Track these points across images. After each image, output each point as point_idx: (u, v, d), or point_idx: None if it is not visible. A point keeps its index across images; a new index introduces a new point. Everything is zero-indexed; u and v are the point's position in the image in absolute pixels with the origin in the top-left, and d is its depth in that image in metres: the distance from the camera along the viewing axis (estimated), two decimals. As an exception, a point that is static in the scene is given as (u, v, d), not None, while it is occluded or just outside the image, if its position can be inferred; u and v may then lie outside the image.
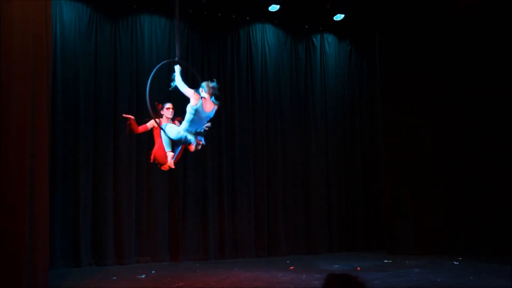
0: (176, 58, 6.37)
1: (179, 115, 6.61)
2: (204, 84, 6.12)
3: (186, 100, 6.13)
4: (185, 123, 6.12)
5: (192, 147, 6.21)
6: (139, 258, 8.48)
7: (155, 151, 6.56)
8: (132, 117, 6.65)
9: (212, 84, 6.14)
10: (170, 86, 6.20)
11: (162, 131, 6.33)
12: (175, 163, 6.63)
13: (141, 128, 6.71)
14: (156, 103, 6.58)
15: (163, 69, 8.83)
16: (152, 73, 6.11)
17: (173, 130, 6.21)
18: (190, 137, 6.12)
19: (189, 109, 6.04)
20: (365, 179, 10.36)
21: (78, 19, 8.42)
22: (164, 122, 6.53)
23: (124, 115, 6.83)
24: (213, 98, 6.09)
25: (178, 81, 6.09)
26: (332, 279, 2.29)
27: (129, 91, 8.70)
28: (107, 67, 8.58)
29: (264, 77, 9.76)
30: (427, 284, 6.57)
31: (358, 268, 7.86)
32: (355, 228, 10.15)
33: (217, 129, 9.12)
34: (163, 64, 6.48)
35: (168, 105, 6.66)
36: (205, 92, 6.08)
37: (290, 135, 9.88)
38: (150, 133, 6.88)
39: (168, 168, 6.58)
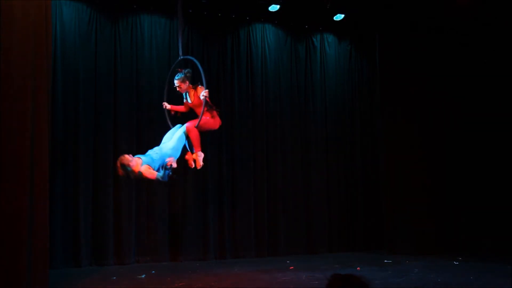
0: (180, 57, 6.41)
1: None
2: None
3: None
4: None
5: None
6: (139, 258, 8.48)
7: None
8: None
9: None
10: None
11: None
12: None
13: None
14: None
15: (163, 69, 8.91)
16: (202, 74, 6.21)
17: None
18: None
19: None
20: (365, 179, 10.36)
21: (78, 19, 8.41)
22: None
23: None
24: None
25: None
26: (335, 279, 2.28)
27: (129, 91, 8.70)
28: (107, 67, 8.58)
29: (264, 77, 9.75)
30: (427, 284, 6.58)
31: (358, 268, 7.86)
32: (355, 228, 10.14)
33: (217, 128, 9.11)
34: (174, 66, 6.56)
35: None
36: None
37: (290, 135, 9.88)
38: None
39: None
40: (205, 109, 6.35)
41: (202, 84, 6.35)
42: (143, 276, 7.29)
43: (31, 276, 5.57)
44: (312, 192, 9.87)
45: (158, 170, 5.89)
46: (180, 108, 6.78)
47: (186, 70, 6.52)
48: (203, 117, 6.34)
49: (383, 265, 8.21)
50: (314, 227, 9.78)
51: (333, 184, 10.09)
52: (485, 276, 7.06)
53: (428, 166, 9.60)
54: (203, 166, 8.87)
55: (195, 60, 6.42)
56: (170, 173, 5.87)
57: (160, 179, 5.83)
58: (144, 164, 5.85)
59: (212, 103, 6.57)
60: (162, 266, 8.22)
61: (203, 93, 6.26)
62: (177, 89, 6.53)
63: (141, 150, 8.43)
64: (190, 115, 6.77)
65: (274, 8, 9.26)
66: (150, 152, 6.14)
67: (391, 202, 9.62)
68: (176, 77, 6.48)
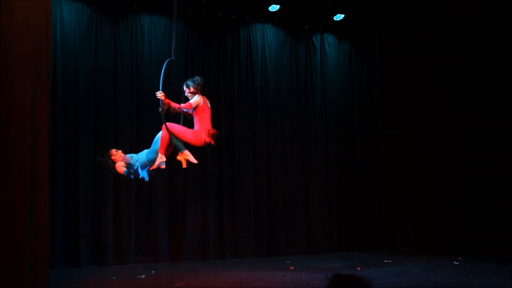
0: (173, 57, 6.40)
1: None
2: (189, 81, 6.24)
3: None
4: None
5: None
6: (139, 258, 8.47)
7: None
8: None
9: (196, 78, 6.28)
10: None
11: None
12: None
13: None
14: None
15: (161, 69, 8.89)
16: (162, 77, 6.15)
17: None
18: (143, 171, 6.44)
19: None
20: (365, 179, 10.35)
21: (78, 19, 8.41)
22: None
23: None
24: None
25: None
26: (336, 280, 2.28)
27: (129, 91, 8.69)
28: (107, 67, 8.57)
29: (264, 77, 9.75)
30: (427, 284, 6.58)
31: (358, 268, 7.86)
32: (355, 228, 10.14)
33: (217, 129, 9.09)
34: (166, 65, 6.47)
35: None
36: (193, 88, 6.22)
37: (290, 135, 9.87)
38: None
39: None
40: (163, 110, 6.27)
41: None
42: (143, 276, 7.29)
43: (31, 276, 5.58)
44: (312, 192, 9.87)
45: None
46: (176, 104, 6.48)
47: (195, 78, 6.47)
48: (181, 126, 6.35)
49: (383, 265, 8.21)
50: (314, 227, 9.78)
51: (333, 184, 10.09)
52: (485, 276, 7.07)
53: (428, 166, 9.59)
54: (203, 165, 8.96)
55: (165, 63, 6.30)
56: (127, 173, 6.49)
57: (125, 175, 6.51)
58: (122, 161, 6.50)
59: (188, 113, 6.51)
60: (162, 266, 8.21)
61: (157, 93, 6.19)
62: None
63: (141, 150, 8.50)
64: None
65: (274, 8, 9.26)
66: (140, 153, 6.61)
67: (391, 202, 9.62)
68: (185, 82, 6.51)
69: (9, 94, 5.64)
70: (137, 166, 6.44)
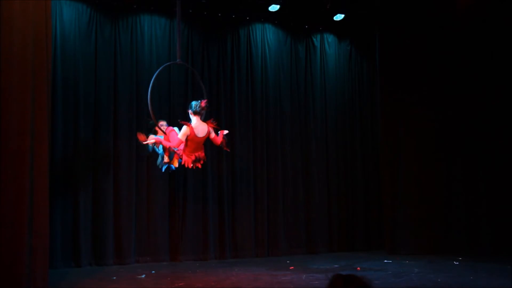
0: (178, 60, 6.39)
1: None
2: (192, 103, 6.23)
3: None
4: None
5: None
6: (139, 258, 8.48)
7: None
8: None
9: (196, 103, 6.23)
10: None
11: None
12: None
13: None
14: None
15: (162, 72, 8.90)
16: (154, 78, 6.11)
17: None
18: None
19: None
20: (365, 179, 10.36)
21: (78, 19, 8.41)
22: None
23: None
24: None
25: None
26: (337, 280, 2.28)
27: (129, 91, 8.69)
28: (107, 67, 8.58)
29: (264, 77, 9.75)
30: (427, 284, 6.58)
31: (358, 268, 7.87)
32: (355, 228, 10.14)
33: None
34: (164, 67, 6.46)
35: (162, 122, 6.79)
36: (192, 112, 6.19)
37: (290, 135, 9.88)
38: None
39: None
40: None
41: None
42: (143, 276, 7.29)
43: (31, 276, 5.58)
44: (312, 192, 9.87)
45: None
46: (167, 143, 6.61)
47: (198, 103, 6.33)
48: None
49: (383, 265, 8.21)
50: (314, 227, 9.78)
51: (333, 184, 10.09)
52: (485, 276, 7.07)
53: (428, 166, 9.59)
54: (203, 165, 8.89)
55: (151, 83, 6.41)
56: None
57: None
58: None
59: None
60: (162, 266, 8.22)
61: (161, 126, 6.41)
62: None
63: (141, 149, 8.52)
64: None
65: (274, 8, 9.26)
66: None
67: (391, 202, 9.62)
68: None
69: (9, 94, 5.63)
70: (159, 153, 6.61)
